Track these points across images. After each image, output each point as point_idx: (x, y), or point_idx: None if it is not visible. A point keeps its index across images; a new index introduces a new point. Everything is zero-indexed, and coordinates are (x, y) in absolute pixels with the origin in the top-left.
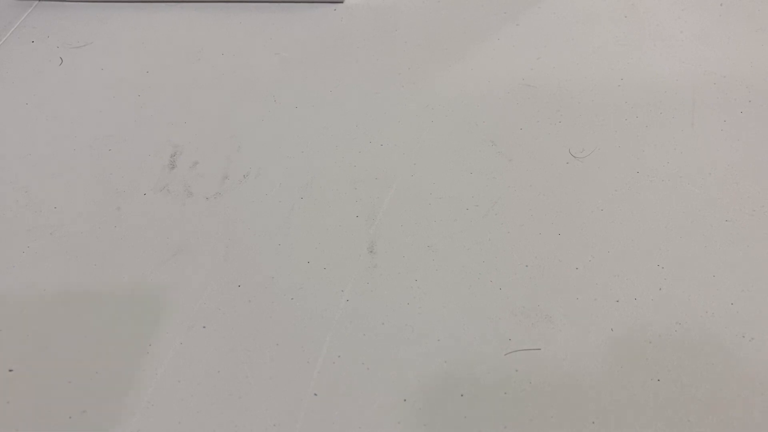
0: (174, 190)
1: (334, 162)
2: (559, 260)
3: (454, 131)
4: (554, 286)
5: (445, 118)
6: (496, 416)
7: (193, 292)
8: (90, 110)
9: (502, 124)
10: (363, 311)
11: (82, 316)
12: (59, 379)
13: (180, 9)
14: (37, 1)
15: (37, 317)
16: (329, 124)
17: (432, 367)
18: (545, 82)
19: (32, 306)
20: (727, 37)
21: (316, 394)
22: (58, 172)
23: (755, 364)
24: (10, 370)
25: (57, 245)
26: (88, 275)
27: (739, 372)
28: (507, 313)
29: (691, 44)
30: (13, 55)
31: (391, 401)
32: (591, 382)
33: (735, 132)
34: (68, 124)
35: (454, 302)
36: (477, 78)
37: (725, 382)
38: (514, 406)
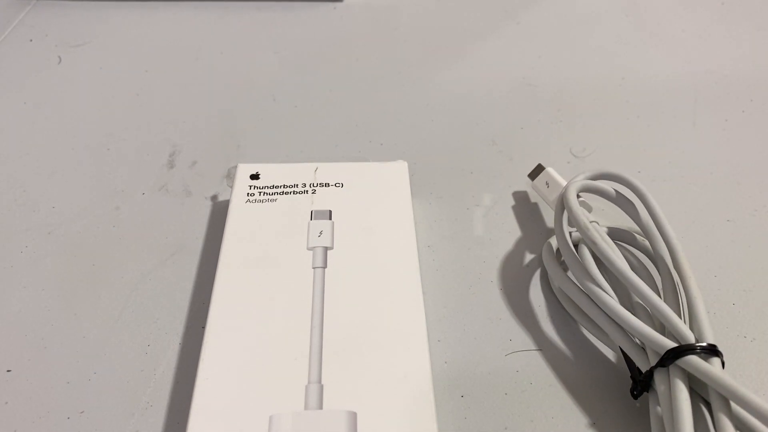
0: (173, 189)
1: (334, 161)
2: None
3: (454, 130)
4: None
5: (445, 118)
6: (497, 417)
7: (192, 292)
8: (88, 109)
9: (503, 123)
10: None
11: (80, 316)
12: (57, 379)
13: (179, 8)
14: (35, 0)
15: (34, 317)
16: (329, 123)
17: (432, 368)
18: (546, 81)
19: (30, 306)
20: (728, 36)
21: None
22: (56, 171)
23: (757, 365)
24: (8, 371)
25: (55, 245)
26: (86, 275)
27: (740, 373)
28: (507, 314)
29: (692, 43)
30: (11, 54)
31: None
32: (592, 382)
33: (737, 131)
34: (66, 123)
35: (454, 302)
36: (477, 77)
37: None
38: (515, 407)
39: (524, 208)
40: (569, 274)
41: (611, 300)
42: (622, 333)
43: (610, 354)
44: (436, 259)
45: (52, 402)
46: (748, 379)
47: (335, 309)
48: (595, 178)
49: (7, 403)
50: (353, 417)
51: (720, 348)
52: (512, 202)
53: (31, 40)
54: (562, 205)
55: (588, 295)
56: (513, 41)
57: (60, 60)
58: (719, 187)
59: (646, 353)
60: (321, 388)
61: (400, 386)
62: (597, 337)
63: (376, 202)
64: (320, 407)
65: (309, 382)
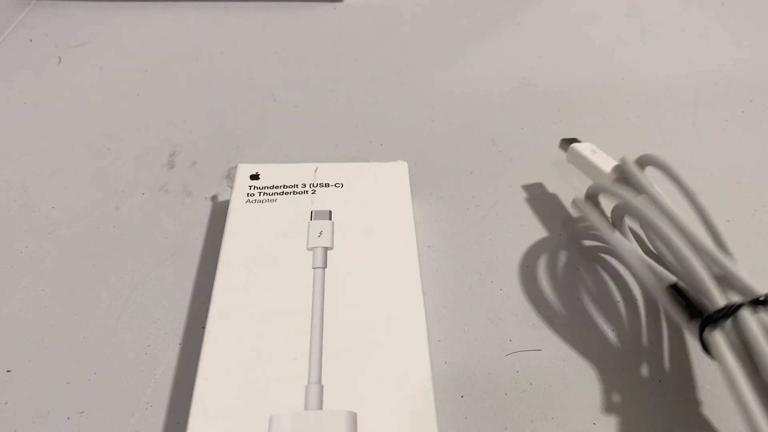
0: (173, 189)
1: (334, 161)
2: (560, 260)
3: (454, 130)
4: (555, 286)
5: (445, 118)
6: (497, 417)
7: (192, 292)
8: (88, 109)
9: (503, 123)
10: None
11: (80, 316)
12: (57, 379)
13: (179, 8)
14: (35, 0)
15: (35, 317)
16: (328, 123)
17: (432, 368)
18: (546, 81)
19: (30, 306)
20: (728, 36)
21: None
22: (56, 171)
23: None
24: (8, 371)
25: (55, 245)
26: (86, 275)
27: None
28: (507, 314)
29: (692, 43)
30: (11, 54)
31: None
32: (592, 383)
33: (737, 132)
34: (66, 123)
35: (454, 302)
36: (477, 77)
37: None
38: (515, 408)
39: (524, 208)
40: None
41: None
42: (704, 265)
43: (610, 354)
44: (436, 259)
45: (52, 402)
46: None
47: (335, 309)
48: (640, 162)
49: (7, 403)
50: (353, 417)
51: None
52: (512, 203)
53: (31, 40)
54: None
55: (671, 220)
56: (513, 41)
57: (60, 60)
58: (719, 187)
59: (710, 294)
60: (321, 388)
61: (400, 386)
62: (641, 276)
63: (376, 202)
64: (320, 407)
65: (309, 382)
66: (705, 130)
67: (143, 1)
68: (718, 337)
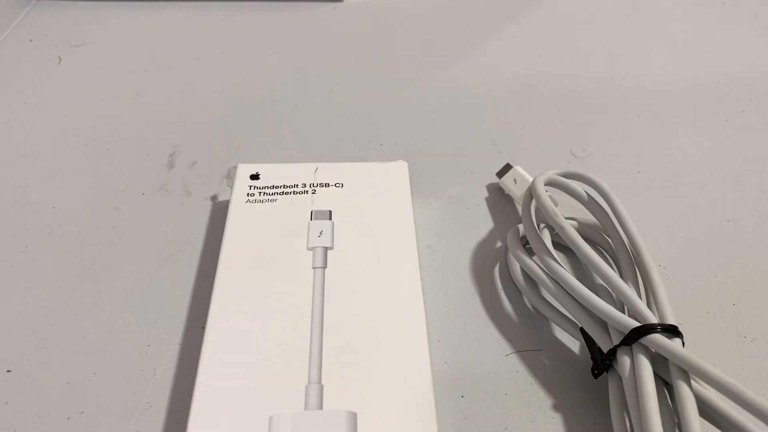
0: (173, 189)
1: (334, 161)
2: None
3: (454, 131)
4: (555, 286)
5: (445, 118)
6: (497, 417)
7: (192, 292)
8: (88, 109)
9: (503, 123)
10: None
11: (80, 316)
12: (57, 379)
13: (179, 8)
14: (35, 0)
15: (34, 317)
16: (329, 123)
17: (432, 368)
18: (546, 81)
19: (30, 306)
20: (728, 37)
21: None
22: (56, 171)
23: (756, 365)
24: (8, 371)
25: (55, 245)
26: (86, 275)
27: (740, 373)
28: (508, 314)
29: (692, 43)
30: (11, 54)
31: None
32: (592, 383)
33: (737, 131)
34: (66, 123)
35: (454, 302)
36: (477, 77)
37: None
38: (515, 408)
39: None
40: (534, 258)
41: (576, 281)
42: (586, 313)
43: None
44: (436, 259)
45: (52, 402)
46: (748, 379)
47: (335, 309)
48: (562, 176)
49: (7, 403)
50: (353, 417)
51: (720, 346)
52: (512, 202)
53: (31, 40)
54: (530, 194)
55: (552, 277)
56: (513, 41)
57: (60, 60)
58: (719, 187)
59: (609, 334)
60: (321, 388)
61: (400, 386)
62: (557, 324)
63: (376, 202)
64: (320, 407)
65: (309, 382)
66: (705, 130)
67: (143, 1)
68: (610, 384)
